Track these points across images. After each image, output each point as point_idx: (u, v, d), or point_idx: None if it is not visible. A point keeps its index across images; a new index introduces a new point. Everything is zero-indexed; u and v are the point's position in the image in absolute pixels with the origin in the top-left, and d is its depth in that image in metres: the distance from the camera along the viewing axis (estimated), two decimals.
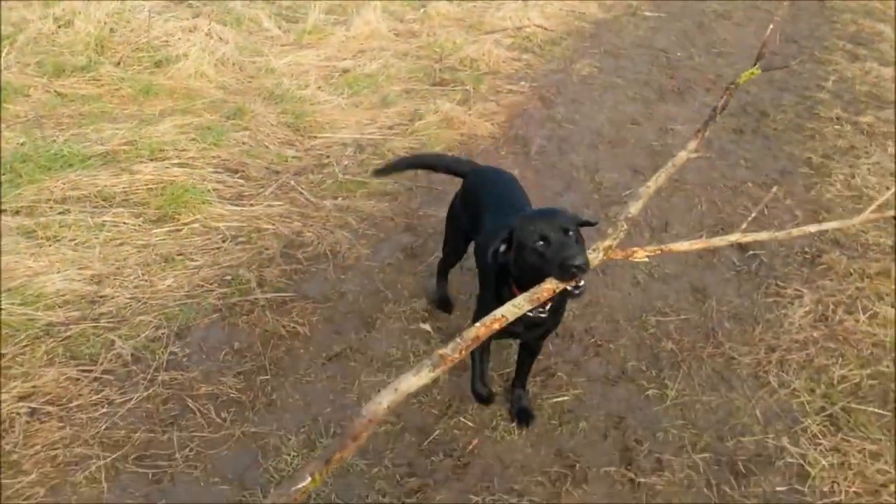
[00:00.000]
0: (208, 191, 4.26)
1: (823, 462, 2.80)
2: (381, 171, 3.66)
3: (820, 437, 2.91)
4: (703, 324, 3.56)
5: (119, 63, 5.57)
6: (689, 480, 2.75)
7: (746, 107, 5.87)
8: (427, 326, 3.50)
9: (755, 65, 2.96)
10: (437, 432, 2.94)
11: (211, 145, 4.70)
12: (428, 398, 3.09)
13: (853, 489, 2.70)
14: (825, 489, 2.72)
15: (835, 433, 2.93)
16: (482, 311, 2.61)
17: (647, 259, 2.58)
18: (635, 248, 2.56)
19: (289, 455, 2.79)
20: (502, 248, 2.50)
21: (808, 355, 3.33)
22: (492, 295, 2.69)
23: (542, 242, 2.37)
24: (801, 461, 2.83)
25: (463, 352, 2.06)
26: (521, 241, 2.43)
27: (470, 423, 2.99)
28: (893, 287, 3.52)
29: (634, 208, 2.69)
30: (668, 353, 3.37)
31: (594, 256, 2.44)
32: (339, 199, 4.42)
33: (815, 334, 3.45)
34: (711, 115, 3.03)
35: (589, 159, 5.05)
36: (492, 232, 2.80)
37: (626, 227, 2.59)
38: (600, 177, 4.83)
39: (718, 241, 2.76)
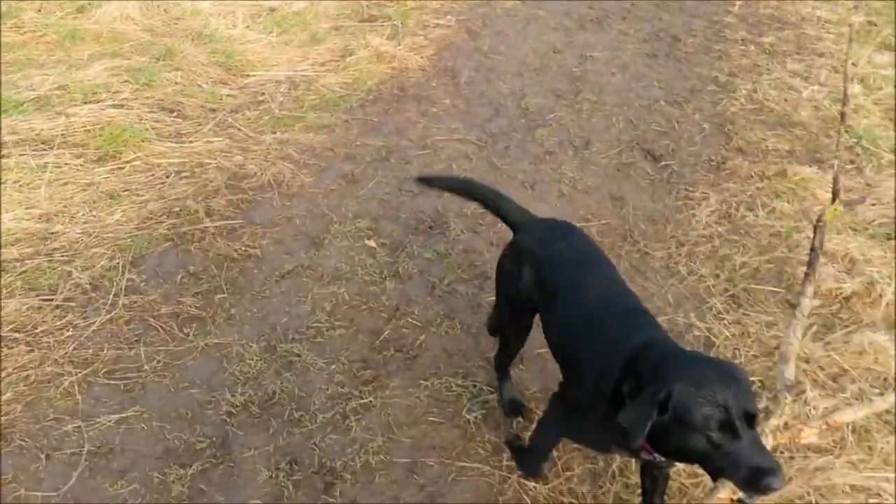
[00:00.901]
0: (147, 130, 4.34)
1: (727, 333, 3.22)
2: (424, 180, 3.20)
3: (724, 313, 3.33)
4: (621, 226, 3.92)
5: (40, 10, 5.45)
6: None
7: (660, 33, 6.20)
8: (372, 243, 3.75)
9: (834, 202, 2.79)
10: (387, 332, 3.23)
11: (144, 86, 4.75)
12: (377, 304, 3.36)
13: (752, 353, 3.13)
14: (728, 354, 3.14)
15: (736, 309, 3.35)
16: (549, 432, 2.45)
17: (814, 439, 2.28)
18: (801, 427, 2.26)
19: (252, 360, 3.03)
20: (652, 418, 1.80)
21: (714, 247, 3.73)
22: (592, 427, 2.16)
23: (721, 431, 1.75)
24: (708, 334, 3.24)
25: None
26: (684, 418, 1.76)
27: (417, 323, 3.28)
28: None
29: (789, 372, 2.40)
30: None
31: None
32: (278, 133, 4.56)
33: (719, 229, 3.86)
34: (813, 255, 2.80)
35: (515, 86, 5.30)
36: (574, 322, 2.29)
37: (789, 397, 2.28)
38: (526, 102, 5.09)
39: (880, 405, 2.52)
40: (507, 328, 2.75)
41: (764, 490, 1.73)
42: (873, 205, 3.95)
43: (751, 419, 1.77)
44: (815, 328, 3.17)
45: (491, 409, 2.89)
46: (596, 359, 2.12)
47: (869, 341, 3.02)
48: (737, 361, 3.09)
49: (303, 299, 3.36)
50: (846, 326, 3.15)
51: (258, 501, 2.53)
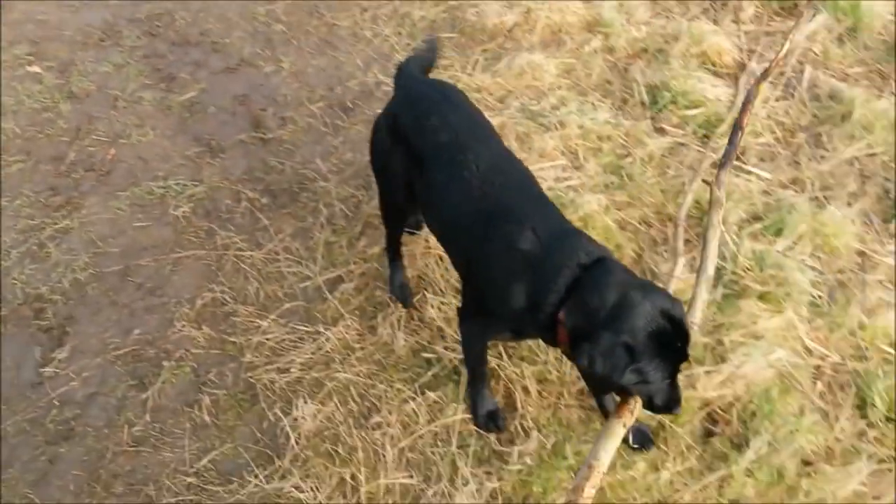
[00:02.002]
0: None
1: None
2: None
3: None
4: (307, 3, 3.86)
5: None
6: (309, 125, 3.22)
7: None
8: (35, 68, 3.38)
9: (761, 83, 2.76)
10: (72, 155, 3.04)
11: None
12: (55, 129, 3.13)
13: None
14: None
15: None
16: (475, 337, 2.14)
17: None
18: None
19: None
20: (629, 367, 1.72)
21: (394, 7, 3.83)
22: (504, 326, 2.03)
23: (662, 381, 1.77)
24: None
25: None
26: (642, 371, 1.73)
27: (104, 139, 3.11)
28: None
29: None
30: (279, 34, 3.66)
31: None
32: None
33: None
34: (735, 132, 2.59)
35: None
36: (442, 209, 2.09)
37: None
38: None
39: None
40: (384, 209, 2.47)
41: (670, 414, 1.90)
42: None
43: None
44: (483, 61, 3.47)
45: (198, 200, 2.91)
46: (521, 277, 1.88)
47: (527, 62, 3.38)
48: None
49: None
50: (510, 55, 3.48)
51: None
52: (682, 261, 2.53)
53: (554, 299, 1.82)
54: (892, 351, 2.45)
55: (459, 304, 2.21)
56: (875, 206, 2.90)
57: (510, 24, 3.63)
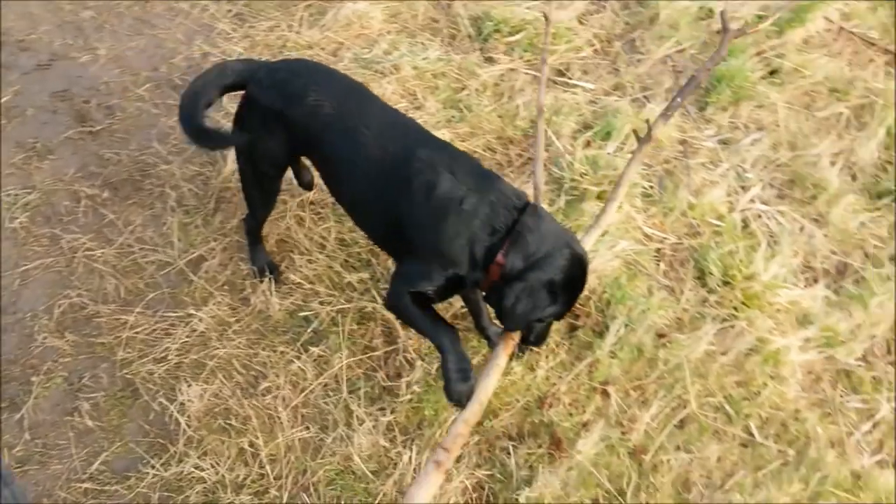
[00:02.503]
0: None
1: (238, 49, 3.34)
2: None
3: (232, 33, 3.40)
4: None
5: None
6: (139, 110, 3.10)
7: None
8: None
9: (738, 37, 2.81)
10: None
11: None
12: None
13: (264, 58, 3.32)
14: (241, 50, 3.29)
15: (242, 26, 3.44)
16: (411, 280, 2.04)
17: None
18: None
19: None
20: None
21: None
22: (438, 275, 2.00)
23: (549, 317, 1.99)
24: (223, 56, 3.31)
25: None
26: (554, 310, 1.96)
27: None
28: None
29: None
30: (89, 21, 3.45)
31: None
32: None
33: None
34: (692, 84, 2.56)
35: None
36: (349, 178, 2.11)
37: None
38: None
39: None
40: (251, 191, 2.42)
41: (535, 346, 2.15)
42: None
43: None
44: (308, 16, 3.44)
45: (34, 207, 2.77)
46: (455, 221, 1.93)
47: (353, 11, 3.38)
48: None
49: None
50: (334, 7, 3.46)
51: None
52: (541, 164, 2.51)
53: (496, 241, 1.92)
54: (720, 223, 2.74)
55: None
56: (689, 97, 3.18)
57: None
